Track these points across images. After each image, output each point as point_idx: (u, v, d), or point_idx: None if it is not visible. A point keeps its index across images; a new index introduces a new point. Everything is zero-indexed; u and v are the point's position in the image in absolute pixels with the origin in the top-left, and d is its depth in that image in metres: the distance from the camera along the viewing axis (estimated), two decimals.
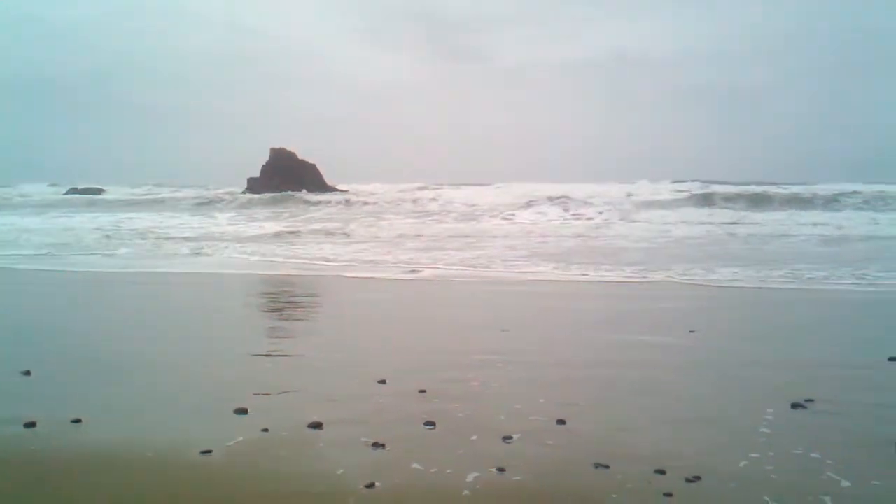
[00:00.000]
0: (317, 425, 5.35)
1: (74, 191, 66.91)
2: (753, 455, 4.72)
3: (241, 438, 5.11)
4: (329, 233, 27.32)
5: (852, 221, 28.99)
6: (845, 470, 4.47)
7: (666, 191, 42.99)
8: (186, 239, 25.29)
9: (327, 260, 18.24)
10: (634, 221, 30.71)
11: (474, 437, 5.11)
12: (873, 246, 21.07)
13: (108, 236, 26.54)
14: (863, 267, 15.12)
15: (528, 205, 38.75)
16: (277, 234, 26.90)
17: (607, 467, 4.52)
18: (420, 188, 52.47)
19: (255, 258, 18.80)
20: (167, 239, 25.40)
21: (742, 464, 4.60)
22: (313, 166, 63.05)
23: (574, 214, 35.33)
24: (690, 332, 8.74)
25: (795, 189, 41.54)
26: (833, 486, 4.26)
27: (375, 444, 4.94)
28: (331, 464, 4.64)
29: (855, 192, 38.91)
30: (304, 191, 54.23)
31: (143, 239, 25.45)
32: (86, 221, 34.38)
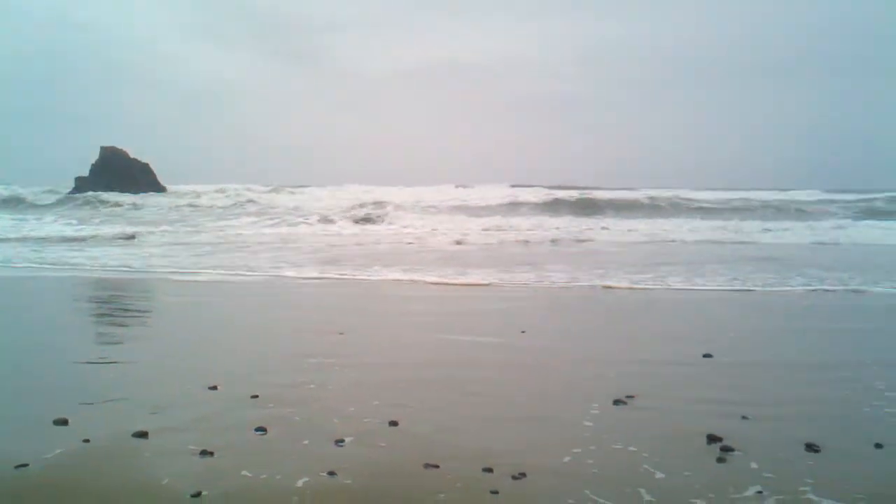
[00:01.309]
0: (142, 434, 5.17)
1: None
2: (576, 450, 4.92)
3: (59, 451, 4.88)
4: (127, 236, 26.17)
5: (676, 225, 30.55)
6: (660, 462, 4.72)
7: (496, 196, 43.69)
8: None
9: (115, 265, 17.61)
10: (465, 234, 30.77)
11: (306, 442, 5.08)
12: (694, 249, 22.35)
13: None
14: (682, 268, 16.02)
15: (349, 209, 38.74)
16: (64, 238, 25.42)
17: (437, 467, 4.59)
18: (269, 190, 51.47)
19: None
20: None
21: (566, 459, 4.77)
22: (146, 165, 60.73)
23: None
24: (522, 332, 9.00)
25: (621, 194, 43.36)
26: (649, 478, 4.49)
27: (203, 452, 4.82)
28: (155, 474, 4.49)
29: (678, 198, 41.11)
30: (129, 192, 52.08)
31: None
32: None
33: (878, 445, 5.06)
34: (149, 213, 41.20)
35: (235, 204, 44.44)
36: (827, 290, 13.02)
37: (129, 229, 28.12)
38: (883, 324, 10.22)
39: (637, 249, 22.03)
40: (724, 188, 47.82)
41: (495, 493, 4.22)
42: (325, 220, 33.94)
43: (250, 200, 45.25)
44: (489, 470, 4.53)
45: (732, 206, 38.84)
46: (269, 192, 50.74)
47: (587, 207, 39.37)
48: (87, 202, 47.97)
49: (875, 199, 39.56)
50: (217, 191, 50.67)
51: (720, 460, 4.79)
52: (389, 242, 24.21)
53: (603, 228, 29.31)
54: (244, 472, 4.50)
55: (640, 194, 42.56)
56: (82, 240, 24.78)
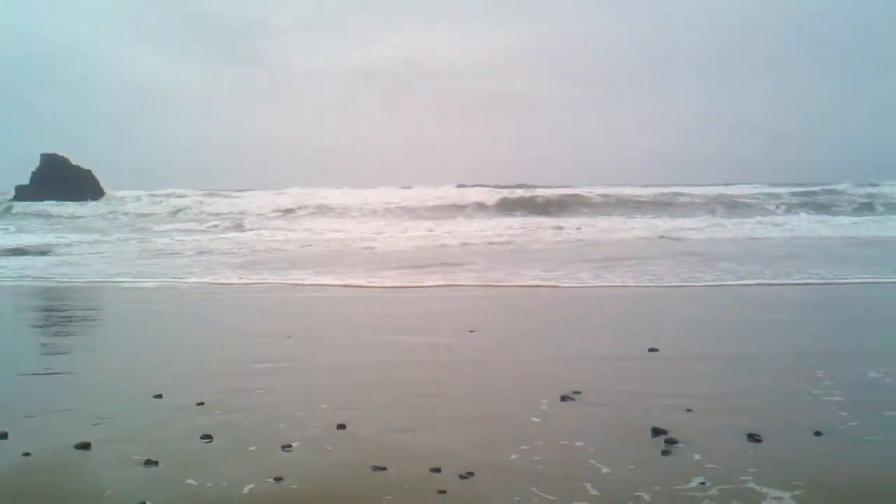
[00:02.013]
0: (84, 446, 5.08)
1: None
2: (524, 447, 4.95)
3: None
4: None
5: (619, 223, 30.88)
6: (606, 456, 4.77)
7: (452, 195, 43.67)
8: None
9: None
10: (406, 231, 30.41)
11: (252, 448, 5.03)
12: (637, 245, 22.64)
13: None
14: (629, 265, 16.22)
15: (286, 212, 38.49)
16: None
17: (384, 469, 4.58)
18: (207, 194, 50.63)
19: None
20: None
21: (513, 457, 4.80)
22: (88, 172, 59.68)
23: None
24: (470, 331, 9.03)
25: (561, 191, 43.64)
26: (595, 472, 4.53)
27: (148, 462, 4.75)
28: (98, 485, 4.42)
29: (621, 196, 41.45)
30: (72, 199, 51.07)
31: None
32: None
33: (818, 433, 5.17)
34: (80, 222, 40.26)
35: (174, 210, 43.72)
36: (764, 284, 13.28)
37: (52, 238, 27.48)
38: (820, 314, 10.44)
39: (581, 247, 22.25)
40: (676, 184, 48.15)
41: (443, 492, 4.23)
42: (238, 225, 33.63)
43: (179, 210, 44.23)
44: (437, 470, 4.54)
45: (679, 202, 39.34)
46: (204, 196, 49.80)
47: (530, 206, 39.57)
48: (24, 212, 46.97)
49: (817, 192, 40.48)
50: (150, 196, 49.93)
51: (665, 453, 4.86)
52: (295, 247, 23.66)
53: (554, 228, 29.36)
54: (189, 481, 4.45)
55: (588, 192, 42.87)
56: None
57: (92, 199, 52.95)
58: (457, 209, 39.34)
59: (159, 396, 6.32)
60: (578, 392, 6.22)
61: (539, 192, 43.48)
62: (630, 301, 12.01)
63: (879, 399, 6.01)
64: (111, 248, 23.78)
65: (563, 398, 6.09)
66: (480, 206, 39.89)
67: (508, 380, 6.89)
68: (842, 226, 28.24)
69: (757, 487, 4.26)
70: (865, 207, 37.11)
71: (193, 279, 15.26)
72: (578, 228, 28.76)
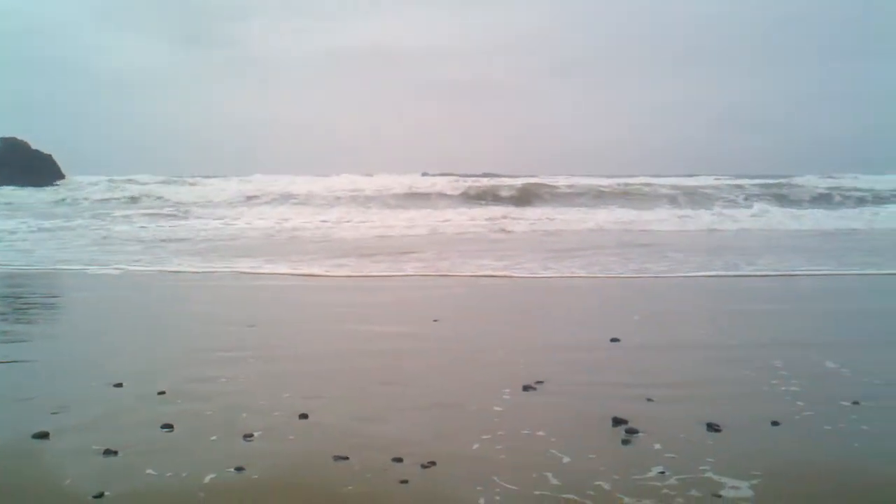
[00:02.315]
0: (43, 435, 5.02)
1: None
2: (485, 437, 4.97)
3: None
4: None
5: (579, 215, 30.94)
6: (567, 446, 4.81)
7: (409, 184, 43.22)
8: None
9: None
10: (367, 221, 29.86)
11: (214, 438, 5.01)
12: (592, 237, 22.81)
13: None
14: (589, 257, 16.35)
15: (249, 199, 38.12)
16: None
17: (346, 458, 4.58)
18: (166, 181, 49.75)
19: None
20: None
21: (475, 446, 4.82)
22: (49, 157, 58.60)
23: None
24: (434, 321, 9.05)
25: (525, 180, 43.50)
26: (555, 461, 4.57)
27: (107, 452, 4.71)
28: (56, 475, 4.38)
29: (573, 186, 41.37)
30: (32, 185, 50.00)
31: None
32: None
33: (775, 423, 5.25)
34: (38, 207, 39.36)
35: (133, 197, 42.82)
36: (723, 276, 13.46)
37: (12, 224, 26.93)
38: (778, 305, 10.58)
39: (539, 238, 22.37)
40: (644, 173, 48.13)
41: (405, 482, 4.24)
42: (196, 213, 33.02)
43: (138, 197, 43.11)
44: (399, 460, 4.55)
45: (643, 192, 39.49)
46: (164, 182, 48.96)
47: (493, 195, 39.47)
48: None
49: (784, 184, 40.91)
50: (109, 181, 48.92)
51: (625, 442, 4.91)
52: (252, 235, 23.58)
53: (514, 219, 29.24)
54: (149, 471, 4.41)
55: (552, 181, 42.87)
56: None
57: (52, 184, 52.07)
58: (420, 198, 39.14)
59: (119, 385, 6.25)
60: (541, 382, 6.26)
61: (505, 181, 43.46)
62: (590, 291, 12.11)
63: (834, 389, 6.12)
64: (69, 235, 23.43)
65: (526, 388, 6.12)
66: (443, 196, 39.71)
67: (471, 369, 6.91)
68: (800, 217, 28.57)
69: (715, 477, 4.32)
70: (823, 199, 37.61)
71: (153, 267, 15.07)
72: (539, 220, 28.65)
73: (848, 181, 41.77)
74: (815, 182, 41.59)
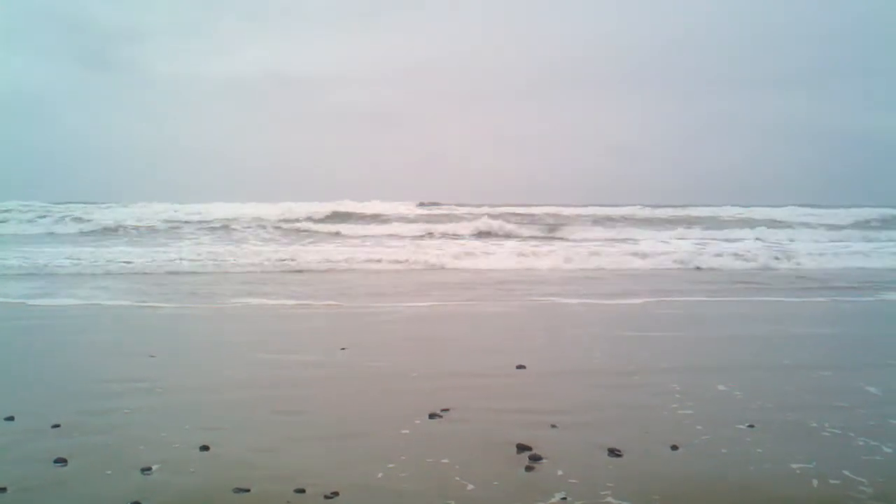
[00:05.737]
0: None
1: None
2: (390, 466, 4.95)
3: None
4: None
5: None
6: (471, 474, 4.82)
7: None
8: None
9: None
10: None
11: (109, 472, 4.84)
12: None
13: None
14: (493, 285, 16.51)
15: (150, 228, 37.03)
16: None
17: (248, 490, 4.50)
18: (52, 204, 47.72)
19: None
20: None
21: (379, 475, 4.79)
22: None
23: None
24: (342, 349, 8.97)
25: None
26: (459, 489, 4.57)
27: None
28: None
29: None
30: None
31: None
32: None
33: (674, 447, 5.38)
34: None
35: (20, 221, 41.02)
36: (623, 304, 13.78)
37: None
38: (676, 331, 10.84)
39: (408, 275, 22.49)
40: (555, 203, 48.50)
41: None
42: (88, 240, 31.74)
43: (24, 222, 41.31)
44: (301, 490, 4.48)
45: (547, 221, 39.79)
46: (50, 205, 46.96)
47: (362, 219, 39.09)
48: None
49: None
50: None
51: (528, 468, 4.95)
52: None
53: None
54: None
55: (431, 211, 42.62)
56: None
57: None
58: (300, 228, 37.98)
59: (11, 419, 6.00)
60: (447, 409, 6.27)
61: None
62: (495, 318, 12.21)
63: (730, 413, 6.31)
64: None
65: (432, 416, 6.13)
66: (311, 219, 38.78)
67: (378, 398, 6.87)
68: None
69: (615, 501, 4.39)
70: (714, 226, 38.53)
71: (42, 300, 14.41)
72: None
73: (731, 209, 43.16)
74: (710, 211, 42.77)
